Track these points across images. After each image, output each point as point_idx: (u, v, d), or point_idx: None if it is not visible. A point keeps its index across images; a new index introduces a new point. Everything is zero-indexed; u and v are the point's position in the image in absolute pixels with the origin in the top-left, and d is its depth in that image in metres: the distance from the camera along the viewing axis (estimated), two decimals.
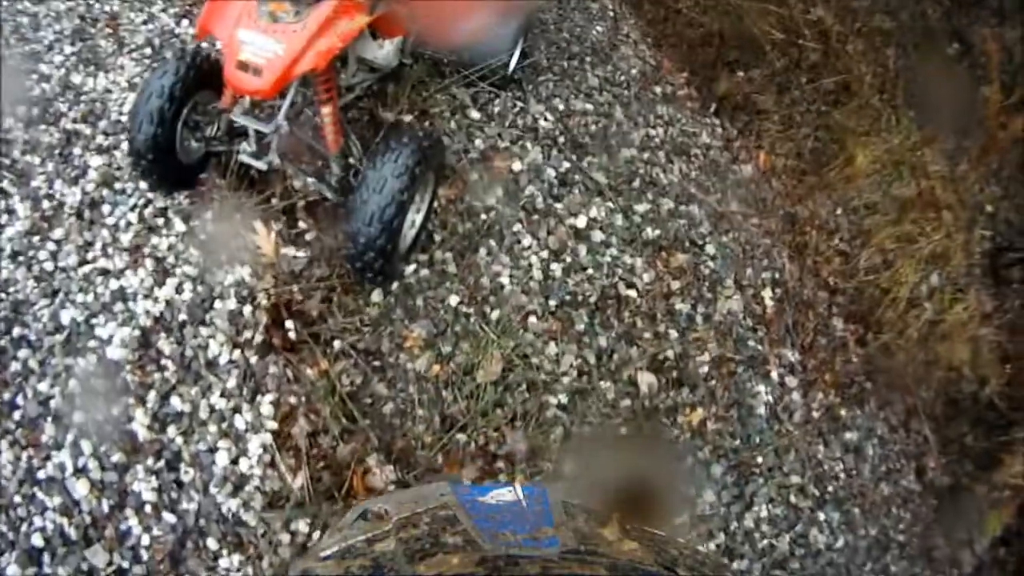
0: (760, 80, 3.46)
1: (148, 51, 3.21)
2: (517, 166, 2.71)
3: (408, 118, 2.74)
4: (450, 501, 0.89)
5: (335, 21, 2.18)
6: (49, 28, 3.47)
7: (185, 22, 3.34)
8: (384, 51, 2.52)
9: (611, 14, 3.64)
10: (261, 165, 2.29)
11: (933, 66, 3.76)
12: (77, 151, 2.75)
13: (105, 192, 2.57)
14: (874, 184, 3.39)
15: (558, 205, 2.66)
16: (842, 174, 3.38)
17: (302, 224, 2.43)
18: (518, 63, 2.99)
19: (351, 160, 2.32)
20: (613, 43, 3.46)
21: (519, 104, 2.98)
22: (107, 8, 3.47)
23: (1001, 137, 3.62)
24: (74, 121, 2.87)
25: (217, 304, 2.25)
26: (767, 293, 2.88)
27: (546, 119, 2.95)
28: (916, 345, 3.11)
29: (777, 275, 2.95)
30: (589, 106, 3.07)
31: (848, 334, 3.03)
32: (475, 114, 2.88)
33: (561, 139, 2.90)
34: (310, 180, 2.34)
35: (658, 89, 3.32)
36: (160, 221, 2.46)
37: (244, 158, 2.30)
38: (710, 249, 2.83)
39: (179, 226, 2.44)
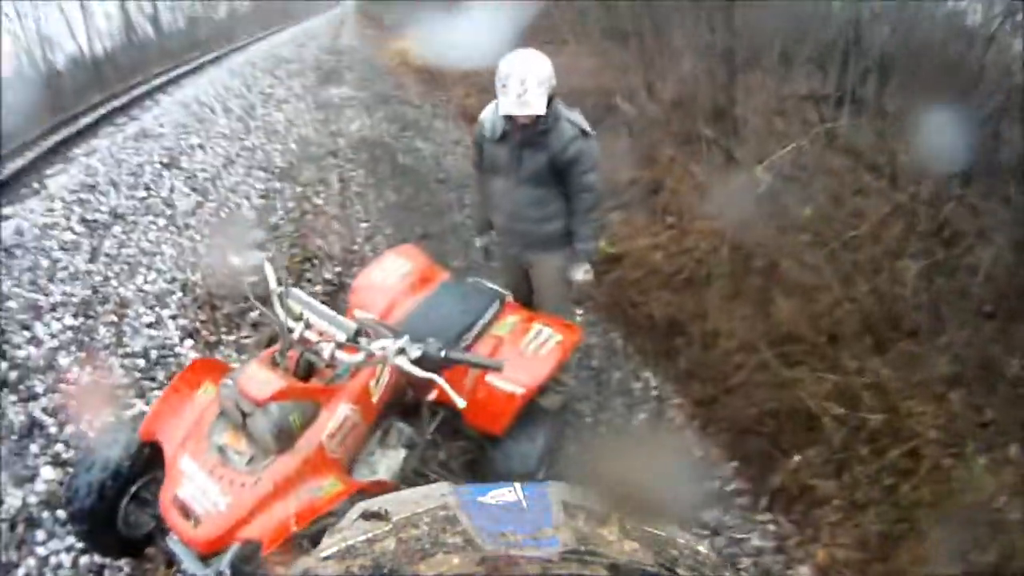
0: (818, 462, 3.46)
1: (141, 362, 3.07)
2: None
3: None
4: (450, 501, 0.86)
5: (298, 482, 1.91)
6: (62, 284, 3.39)
7: (189, 342, 3.24)
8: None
9: (654, 395, 3.83)
10: None
11: (998, 398, 3.61)
12: (35, 448, 2.55)
13: (46, 514, 2.36)
14: (949, 556, 3.21)
15: None
16: (913, 555, 3.25)
17: None
18: None
19: None
20: (655, 433, 3.61)
21: None
22: (120, 291, 3.42)
23: None
24: (43, 410, 2.69)
25: None
26: None
27: None
28: None
29: None
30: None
31: None
32: None
33: None
34: None
35: (705, 486, 3.41)
36: None
37: None
38: None
39: None
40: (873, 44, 5.13)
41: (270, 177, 5.43)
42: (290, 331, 2.14)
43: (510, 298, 3.23)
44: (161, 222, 4.45)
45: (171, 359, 3.13)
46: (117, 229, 4.27)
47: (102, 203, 4.54)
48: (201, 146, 5.76)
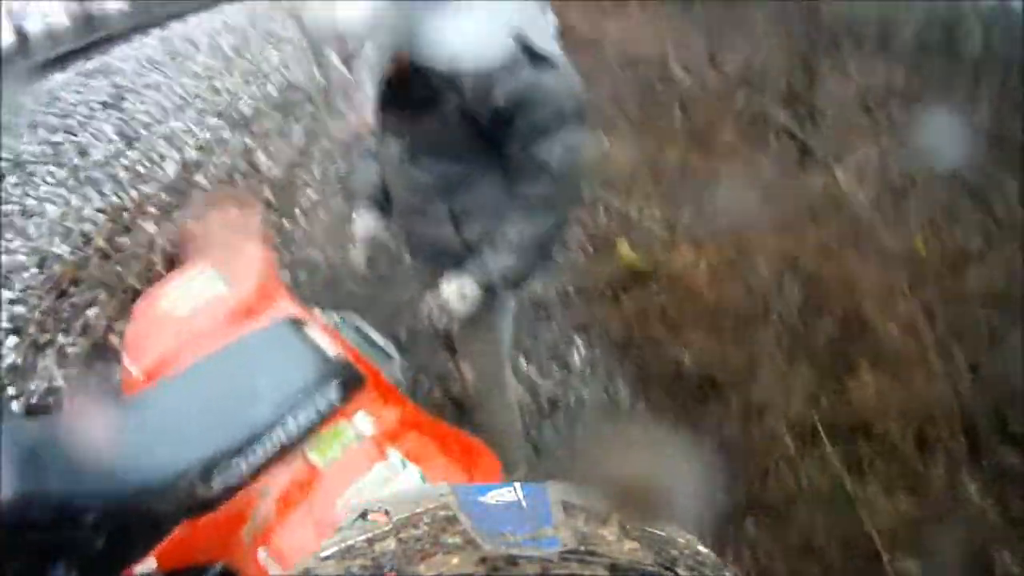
0: None
1: None
2: None
3: None
4: (450, 501, 0.88)
5: None
6: None
7: (13, 340, 2.58)
8: None
9: None
10: None
11: None
12: None
13: None
14: None
15: None
16: None
17: None
18: None
19: None
20: None
21: None
22: None
23: None
24: None
25: None
26: None
27: None
28: None
29: None
30: None
31: None
32: None
33: None
34: None
35: None
36: None
37: None
38: None
39: None
40: None
41: (222, 125, 4.52)
42: None
43: (394, 368, 1.87)
44: (61, 174, 3.70)
45: None
46: (11, 180, 3.61)
47: (9, 149, 3.85)
48: (158, 85, 4.87)
